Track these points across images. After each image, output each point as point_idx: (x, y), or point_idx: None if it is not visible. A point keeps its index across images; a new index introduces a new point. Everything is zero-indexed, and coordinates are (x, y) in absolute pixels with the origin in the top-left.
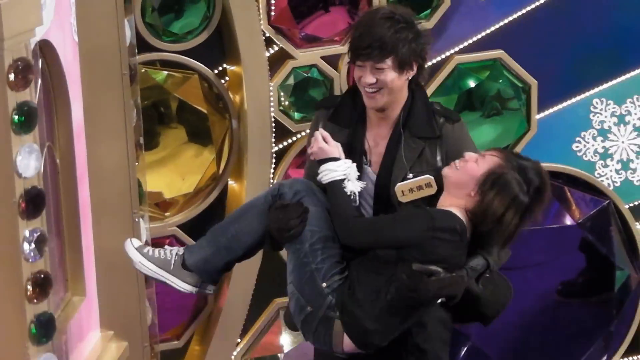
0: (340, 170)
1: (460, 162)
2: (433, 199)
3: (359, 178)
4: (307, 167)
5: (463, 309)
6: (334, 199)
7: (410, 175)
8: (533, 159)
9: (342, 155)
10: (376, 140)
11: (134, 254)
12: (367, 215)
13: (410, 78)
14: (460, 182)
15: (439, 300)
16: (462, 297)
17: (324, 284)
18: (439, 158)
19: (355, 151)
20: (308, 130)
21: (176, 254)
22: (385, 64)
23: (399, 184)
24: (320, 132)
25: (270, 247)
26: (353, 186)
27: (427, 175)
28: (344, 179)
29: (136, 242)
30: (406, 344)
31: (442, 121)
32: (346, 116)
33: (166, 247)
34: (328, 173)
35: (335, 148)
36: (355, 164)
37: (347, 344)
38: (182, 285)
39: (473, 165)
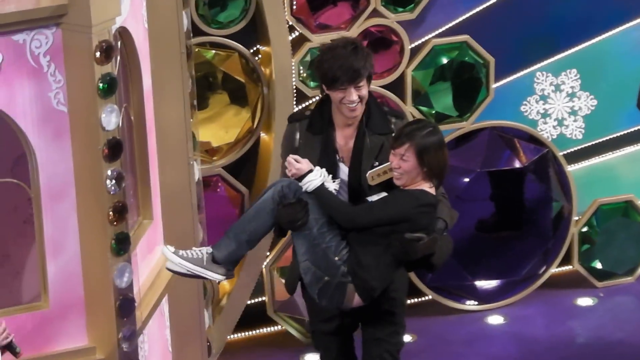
0: (318, 177)
1: (396, 171)
2: (391, 180)
3: (335, 173)
4: (283, 172)
5: (417, 261)
6: (325, 200)
7: (377, 163)
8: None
9: (312, 166)
10: (345, 140)
11: (172, 257)
12: (346, 200)
13: None
14: (412, 176)
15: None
16: None
17: (336, 258)
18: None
19: (329, 151)
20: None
21: (206, 252)
22: (363, 82)
23: (369, 172)
24: (291, 157)
25: (277, 235)
26: (332, 185)
27: (389, 162)
28: (323, 183)
29: (171, 248)
30: (381, 294)
31: (394, 120)
32: (318, 125)
33: (193, 248)
34: (310, 183)
35: (306, 164)
36: (325, 169)
37: (357, 300)
38: (214, 276)
39: (405, 164)
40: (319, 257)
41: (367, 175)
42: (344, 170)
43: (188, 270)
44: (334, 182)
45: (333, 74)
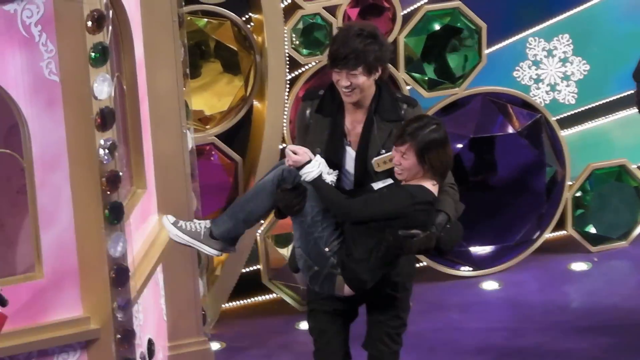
0: (315, 169)
1: (397, 167)
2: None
3: (342, 157)
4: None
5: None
6: (322, 192)
7: (383, 151)
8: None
9: (312, 156)
10: (353, 125)
11: (170, 228)
12: (350, 184)
13: (377, 77)
14: (412, 173)
15: None
16: None
17: (326, 249)
18: None
19: (337, 134)
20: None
21: (204, 226)
22: (357, 71)
23: (375, 158)
24: (289, 148)
25: (277, 217)
26: (329, 177)
27: None
28: (320, 174)
29: (171, 218)
30: (383, 279)
31: (405, 107)
32: (328, 107)
33: (194, 220)
34: (308, 175)
35: (304, 154)
36: (324, 160)
37: (347, 290)
38: (210, 251)
39: (406, 162)
40: (310, 246)
41: (372, 162)
42: (350, 154)
43: (186, 242)
44: (331, 173)
45: (330, 54)
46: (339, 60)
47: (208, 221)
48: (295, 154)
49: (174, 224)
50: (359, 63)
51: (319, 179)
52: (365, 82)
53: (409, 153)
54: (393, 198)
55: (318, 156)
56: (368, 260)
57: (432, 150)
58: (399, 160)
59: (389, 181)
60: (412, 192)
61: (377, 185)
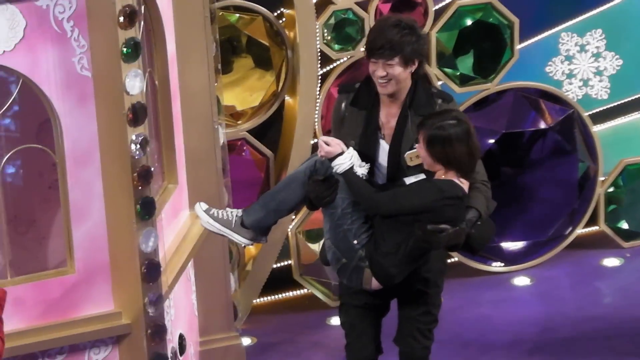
0: (347, 161)
1: (417, 159)
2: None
3: (375, 150)
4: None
5: (455, 245)
6: (352, 184)
7: (416, 145)
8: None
9: (345, 148)
10: (387, 118)
11: (202, 215)
12: (383, 178)
13: (413, 70)
14: (428, 163)
15: None
16: None
17: (355, 241)
18: None
19: (372, 128)
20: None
21: (236, 215)
22: (394, 61)
23: (407, 152)
24: (322, 139)
25: (309, 208)
26: (361, 170)
27: None
28: (352, 167)
29: (204, 206)
30: (413, 274)
31: (440, 102)
32: (363, 100)
33: (227, 209)
34: (339, 166)
35: (337, 146)
36: (357, 152)
37: (375, 284)
38: (241, 240)
39: (420, 151)
40: (339, 239)
41: (405, 156)
42: (384, 147)
43: (217, 230)
44: (363, 166)
45: (369, 45)
46: (375, 50)
47: (240, 210)
48: (327, 145)
49: (207, 211)
50: (395, 53)
51: (350, 171)
52: (401, 73)
53: (420, 142)
54: (421, 192)
55: (351, 148)
56: (396, 254)
57: (436, 145)
58: (418, 148)
59: (422, 176)
60: (441, 187)
61: (409, 180)
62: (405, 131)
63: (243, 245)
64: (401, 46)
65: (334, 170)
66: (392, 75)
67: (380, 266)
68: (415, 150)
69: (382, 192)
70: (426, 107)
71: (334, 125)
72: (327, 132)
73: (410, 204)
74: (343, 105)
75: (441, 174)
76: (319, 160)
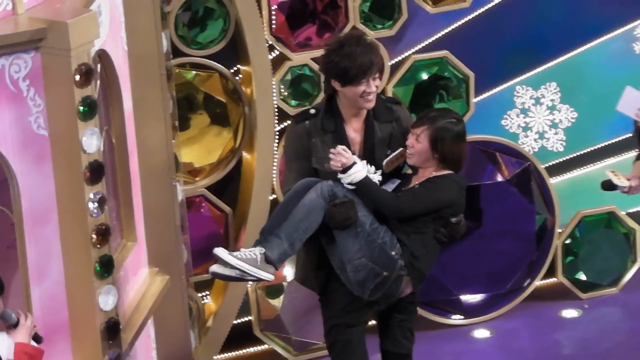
0: (363, 169)
1: (409, 150)
2: (400, 169)
3: (350, 167)
4: (289, 179)
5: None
6: (371, 191)
7: (389, 151)
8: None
9: (357, 159)
10: (354, 135)
11: (228, 258)
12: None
13: None
14: (422, 158)
15: None
16: None
17: (393, 252)
18: (400, 134)
19: (344, 146)
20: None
21: (259, 252)
22: (377, 74)
23: (385, 160)
24: (340, 148)
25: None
26: (375, 177)
27: (401, 149)
28: (367, 175)
29: (224, 250)
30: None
31: (395, 107)
32: (329, 123)
33: (242, 250)
34: (357, 175)
35: (351, 156)
36: (366, 161)
37: (408, 289)
38: (267, 277)
39: (418, 145)
40: (377, 254)
41: (383, 164)
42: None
43: (241, 272)
44: (376, 172)
45: (355, 72)
46: (367, 71)
47: (258, 248)
48: (341, 155)
49: (230, 254)
50: (379, 67)
51: (367, 178)
52: (379, 84)
53: (423, 136)
54: (442, 188)
55: (358, 158)
56: (427, 255)
57: (446, 139)
58: (413, 142)
59: (397, 181)
60: (457, 180)
61: (387, 187)
62: (375, 140)
63: (270, 280)
64: (378, 59)
65: (349, 180)
66: (377, 86)
67: (419, 270)
68: (391, 156)
69: (401, 195)
70: (386, 113)
71: (294, 155)
72: (282, 172)
73: (434, 201)
74: (307, 132)
75: (430, 171)
76: (333, 185)
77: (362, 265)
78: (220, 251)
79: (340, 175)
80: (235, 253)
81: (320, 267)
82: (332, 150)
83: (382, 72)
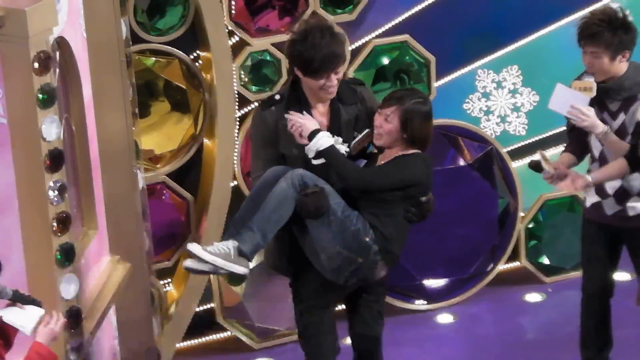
0: (329, 138)
1: (377, 130)
2: (365, 150)
3: None
4: (257, 166)
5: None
6: (336, 160)
7: (356, 133)
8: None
9: (318, 125)
10: (320, 118)
11: (202, 254)
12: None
13: None
14: (391, 138)
15: None
16: None
17: (367, 238)
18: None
19: None
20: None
21: (233, 246)
22: (341, 67)
23: (353, 142)
24: (292, 114)
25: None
26: (343, 147)
27: (368, 130)
28: (333, 144)
29: (197, 246)
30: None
31: (359, 88)
32: (295, 107)
33: (215, 244)
34: (323, 141)
35: (311, 121)
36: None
37: (382, 272)
38: (242, 270)
39: (387, 125)
40: (350, 241)
41: (350, 146)
42: None
43: (215, 268)
44: (344, 143)
45: (317, 65)
46: (329, 65)
47: (231, 241)
48: (298, 119)
49: (204, 249)
50: (342, 61)
51: (334, 147)
52: (341, 76)
53: (393, 116)
54: (410, 165)
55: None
56: (398, 236)
57: (415, 119)
58: (381, 123)
59: (364, 161)
60: (424, 158)
61: None
62: (341, 124)
63: (244, 274)
64: (343, 51)
65: (314, 147)
66: (339, 79)
67: (392, 253)
68: (358, 138)
69: (368, 169)
70: (351, 96)
71: (261, 141)
72: (247, 173)
73: (401, 177)
74: (273, 118)
75: (397, 151)
76: (302, 174)
77: (336, 253)
78: (194, 247)
79: (306, 148)
80: (209, 248)
81: (291, 253)
82: (285, 115)
83: (345, 64)
